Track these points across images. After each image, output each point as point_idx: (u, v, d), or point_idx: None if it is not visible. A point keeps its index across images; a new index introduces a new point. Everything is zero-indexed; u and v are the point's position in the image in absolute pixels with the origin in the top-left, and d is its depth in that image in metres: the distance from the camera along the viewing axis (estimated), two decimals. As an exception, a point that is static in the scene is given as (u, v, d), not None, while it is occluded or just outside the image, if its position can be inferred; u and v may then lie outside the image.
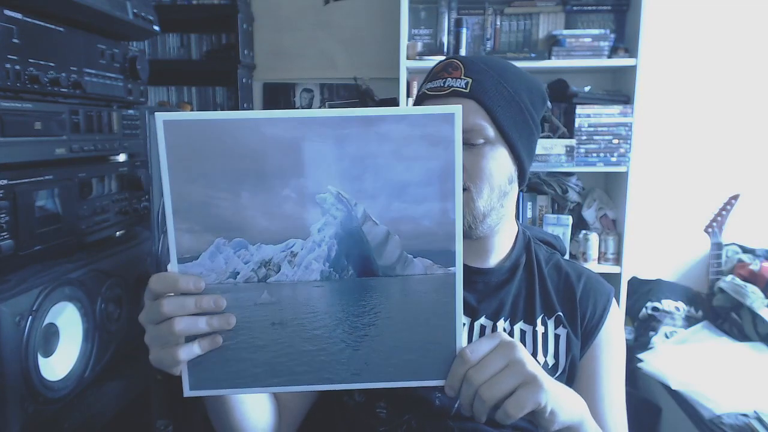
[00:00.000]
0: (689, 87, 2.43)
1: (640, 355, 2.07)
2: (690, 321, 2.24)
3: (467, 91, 0.81)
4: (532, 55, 2.25)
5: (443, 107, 0.61)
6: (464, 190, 0.79)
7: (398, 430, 0.85)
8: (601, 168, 2.26)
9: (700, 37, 2.40)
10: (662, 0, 2.35)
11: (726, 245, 2.31)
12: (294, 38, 2.62)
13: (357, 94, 2.60)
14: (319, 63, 2.63)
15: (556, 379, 0.72)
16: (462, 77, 0.82)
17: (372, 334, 0.65)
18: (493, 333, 0.68)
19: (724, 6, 2.38)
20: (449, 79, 0.83)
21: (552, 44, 2.27)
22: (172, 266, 0.63)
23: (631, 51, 2.20)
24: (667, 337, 2.17)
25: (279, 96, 2.68)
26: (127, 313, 1.12)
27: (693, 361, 1.97)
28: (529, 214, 2.43)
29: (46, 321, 0.90)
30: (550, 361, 0.87)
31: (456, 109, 0.61)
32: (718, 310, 2.21)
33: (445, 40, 2.37)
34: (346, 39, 2.60)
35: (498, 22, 2.38)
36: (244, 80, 2.51)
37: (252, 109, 2.58)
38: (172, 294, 0.62)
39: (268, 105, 2.68)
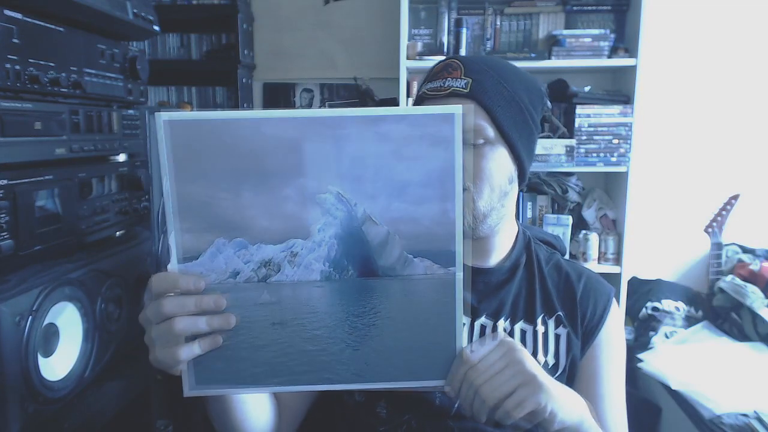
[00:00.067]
0: (689, 87, 2.43)
1: (640, 355, 2.07)
2: (690, 321, 2.24)
3: (467, 91, 0.81)
4: (532, 55, 2.24)
5: (443, 107, 0.61)
6: (464, 190, 0.78)
7: (398, 430, 0.85)
8: (601, 168, 2.26)
9: (700, 37, 2.40)
10: (662, 0, 2.35)
11: (726, 245, 2.31)
12: (294, 38, 2.62)
13: (357, 94, 2.60)
14: (319, 63, 2.63)
15: (556, 378, 0.72)
16: (461, 77, 0.82)
17: (372, 335, 0.65)
18: (493, 333, 0.68)
19: (724, 6, 2.38)
20: (449, 79, 0.82)
21: (552, 44, 2.27)
22: (173, 266, 0.63)
23: (631, 51, 2.20)
24: (667, 337, 2.17)
25: (279, 96, 2.68)
26: (127, 313, 1.12)
27: (693, 361, 1.97)
28: (529, 214, 2.42)
29: (46, 321, 0.90)
30: (551, 360, 0.87)
31: (456, 109, 0.61)
32: (718, 310, 2.21)
33: (445, 40, 2.37)
34: (346, 39, 2.60)
35: (498, 22, 2.38)
36: (244, 80, 2.51)
37: (252, 109, 2.58)
38: (173, 294, 0.62)
39: (268, 105, 2.68)
